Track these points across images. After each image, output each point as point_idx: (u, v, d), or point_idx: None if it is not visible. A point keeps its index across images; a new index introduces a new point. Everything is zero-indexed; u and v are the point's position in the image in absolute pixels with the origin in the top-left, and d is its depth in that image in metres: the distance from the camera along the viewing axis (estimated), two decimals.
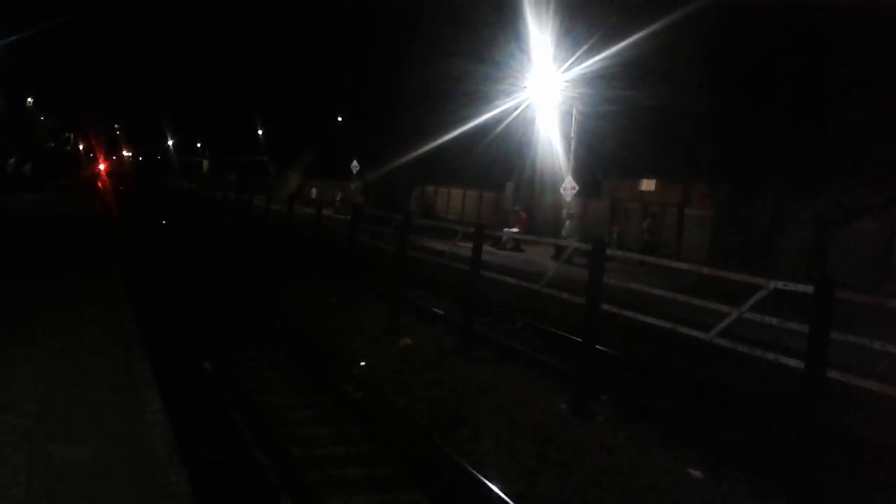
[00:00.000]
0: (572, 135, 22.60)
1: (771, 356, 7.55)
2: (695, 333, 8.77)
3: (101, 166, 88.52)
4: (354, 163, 40.79)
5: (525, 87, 23.78)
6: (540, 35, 22.57)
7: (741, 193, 18.70)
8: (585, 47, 20.87)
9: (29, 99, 53.01)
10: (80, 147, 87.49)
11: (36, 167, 46.25)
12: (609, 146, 23.99)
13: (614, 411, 8.56)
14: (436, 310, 14.09)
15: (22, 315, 9.12)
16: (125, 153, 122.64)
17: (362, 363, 10.58)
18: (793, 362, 7.15)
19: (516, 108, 24.77)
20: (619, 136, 22.84)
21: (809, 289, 6.50)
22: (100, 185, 60.73)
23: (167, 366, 8.19)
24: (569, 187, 21.99)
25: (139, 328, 9.14)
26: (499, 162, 30.21)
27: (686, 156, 21.90)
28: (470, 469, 6.47)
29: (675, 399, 9.28)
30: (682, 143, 20.69)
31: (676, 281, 14.18)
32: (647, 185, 30.52)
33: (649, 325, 9.71)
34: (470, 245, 12.00)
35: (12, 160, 43.04)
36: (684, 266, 12.36)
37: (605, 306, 9.55)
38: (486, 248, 13.12)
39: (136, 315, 9.92)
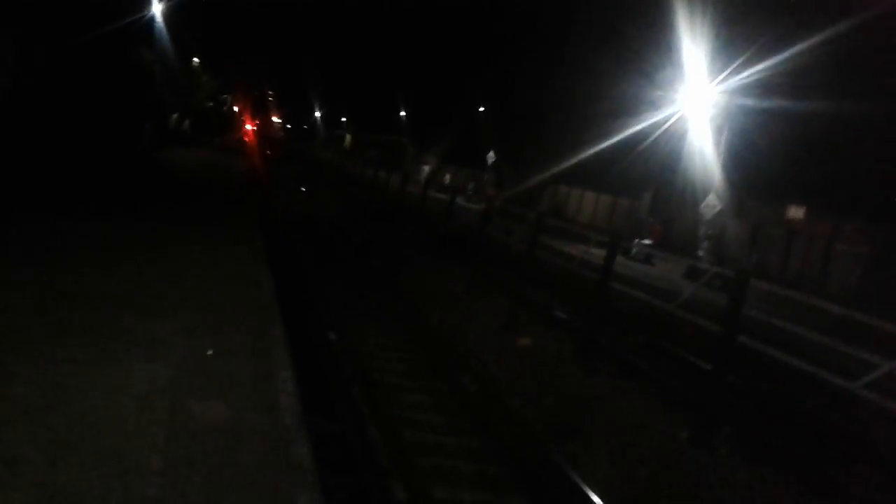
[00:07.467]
0: (720, 150, 21.52)
1: None
2: (839, 381, 8.18)
3: (249, 127, 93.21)
4: (490, 153, 40.80)
5: (675, 100, 22.85)
6: (693, 46, 21.42)
7: None
8: (742, 59, 19.67)
9: (195, 59, 55.28)
10: (235, 109, 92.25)
11: (194, 125, 49.38)
12: (761, 166, 22.74)
13: (736, 447, 8.15)
14: (558, 313, 13.85)
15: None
16: (274, 119, 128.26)
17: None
18: None
19: (666, 121, 23.86)
20: (773, 156, 21.56)
21: None
22: (249, 147, 64.03)
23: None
24: (710, 205, 21.04)
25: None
26: (639, 172, 29.40)
27: (842, 187, 20.46)
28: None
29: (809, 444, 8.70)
30: (843, 172, 19.31)
31: (817, 319, 13.28)
32: (795, 212, 28.80)
33: (785, 363, 9.15)
34: (599, 252, 11.75)
35: (175, 116, 45.90)
36: (834, 308, 11.38)
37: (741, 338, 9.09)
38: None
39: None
